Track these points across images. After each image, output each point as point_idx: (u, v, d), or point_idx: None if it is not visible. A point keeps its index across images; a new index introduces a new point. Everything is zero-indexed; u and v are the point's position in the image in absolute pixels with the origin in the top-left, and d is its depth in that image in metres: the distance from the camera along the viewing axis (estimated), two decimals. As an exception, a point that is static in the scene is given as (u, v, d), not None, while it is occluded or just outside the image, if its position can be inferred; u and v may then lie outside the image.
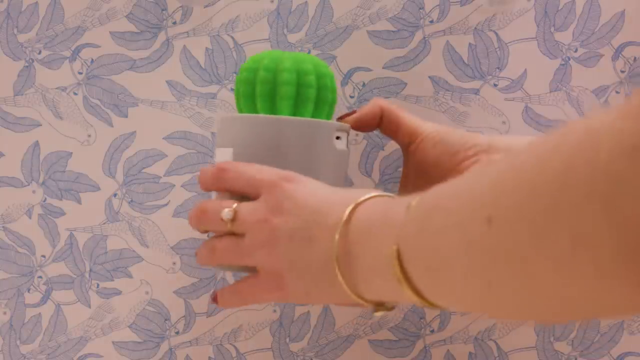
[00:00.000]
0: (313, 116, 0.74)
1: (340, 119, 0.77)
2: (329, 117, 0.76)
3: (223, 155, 0.73)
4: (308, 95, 0.73)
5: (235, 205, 0.68)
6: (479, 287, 0.48)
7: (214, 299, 0.72)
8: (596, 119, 0.41)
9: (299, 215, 0.64)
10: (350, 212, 0.61)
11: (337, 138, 0.73)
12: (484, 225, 0.46)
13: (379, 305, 0.62)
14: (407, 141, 0.76)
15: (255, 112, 0.74)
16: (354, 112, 0.77)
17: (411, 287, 0.55)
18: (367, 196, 0.62)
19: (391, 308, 0.62)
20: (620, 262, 0.39)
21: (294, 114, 0.73)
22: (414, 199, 0.55)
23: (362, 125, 0.77)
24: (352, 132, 0.84)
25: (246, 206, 0.67)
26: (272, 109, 0.73)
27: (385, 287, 0.57)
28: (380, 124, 0.77)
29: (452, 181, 0.52)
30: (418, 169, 0.75)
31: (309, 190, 0.65)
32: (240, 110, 0.75)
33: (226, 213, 0.67)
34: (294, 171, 0.69)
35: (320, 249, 0.62)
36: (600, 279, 0.41)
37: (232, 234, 0.68)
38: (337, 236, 0.61)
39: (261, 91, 0.73)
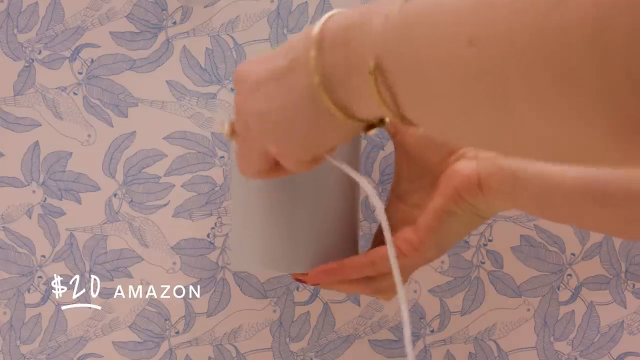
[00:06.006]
0: None
1: None
2: None
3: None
4: None
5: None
6: (456, 112, 0.45)
7: None
8: None
9: (263, 64, 0.59)
10: (323, 25, 0.54)
11: None
12: (466, 46, 0.42)
13: (372, 125, 0.57)
14: (393, 131, 0.75)
15: None
16: None
17: (392, 104, 0.50)
18: (336, 10, 0.55)
19: (384, 123, 0.57)
20: (599, 104, 0.36)
21: None
22: (394, 5, 0.50)
23: None
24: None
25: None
26: None
27: (373, 103, 0.52)
28: None
29: None
30: (407, 159, 0.74)
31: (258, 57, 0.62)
32: None
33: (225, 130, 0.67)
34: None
35: (300, 74, 0.56)
36: (578, 123, 0.38)
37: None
38: (312, 52, 0.54)
39: None
